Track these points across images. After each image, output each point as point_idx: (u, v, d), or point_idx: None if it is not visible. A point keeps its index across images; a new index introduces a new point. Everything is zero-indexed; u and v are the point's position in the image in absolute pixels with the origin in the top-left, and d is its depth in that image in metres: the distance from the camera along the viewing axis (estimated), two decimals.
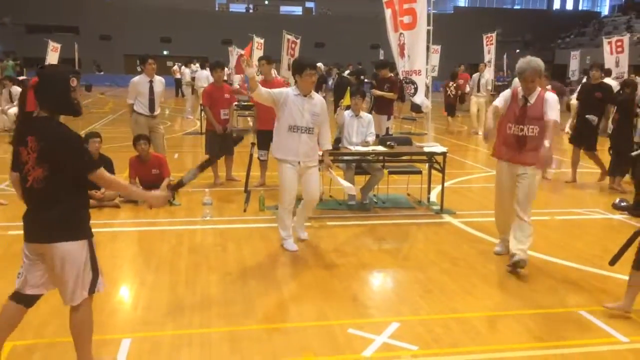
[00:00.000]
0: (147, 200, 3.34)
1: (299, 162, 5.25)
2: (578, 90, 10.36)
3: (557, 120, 4.82)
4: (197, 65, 20.99)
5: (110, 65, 35.02)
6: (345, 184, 5.72)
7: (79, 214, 3.01)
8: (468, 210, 7.21)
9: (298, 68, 5.17)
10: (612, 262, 4.09)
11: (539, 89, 4.96)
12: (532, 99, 4.92)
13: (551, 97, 4.93)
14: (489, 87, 14.64)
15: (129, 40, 35.25)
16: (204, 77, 16.88)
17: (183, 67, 18.57)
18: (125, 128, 10.94)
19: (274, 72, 9.22)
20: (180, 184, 3.38)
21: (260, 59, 8.39)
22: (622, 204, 4.22)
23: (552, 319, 4.14)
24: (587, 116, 8.46)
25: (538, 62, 4.88)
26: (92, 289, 3.07)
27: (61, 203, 2.93)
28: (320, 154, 5.53)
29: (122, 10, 35.87)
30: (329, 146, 5.60)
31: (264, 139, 7.88)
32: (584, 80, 12.69)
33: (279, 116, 5.24)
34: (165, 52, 35.22)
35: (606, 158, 8.71)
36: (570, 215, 7.07)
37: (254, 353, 3.57)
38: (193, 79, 18.97)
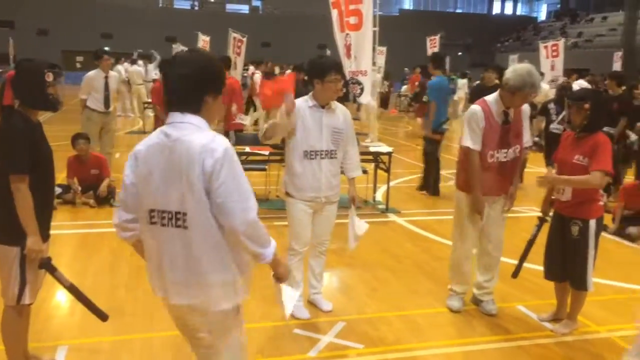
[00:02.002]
0: (30, 238, 2.86)
1: (321, 199, 3.98)
2: (470, 93, 10.32)
3: (530, 146, 4.24)
4: (128, 62, 20.24)
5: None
6: (359, 230, 4.28)
7: (18, 217, 2.86)
8: (413, 209, 7.34)
9: (319, 71, 3.83)
10: (515, 274, 4.28)
11: None
12: (512, 113, 4.00)
13: (526, 107, 4.11)
14: (378, 89, 14.56)
15: (67, 35, 33.97)
16: (138, 72, 16.43)
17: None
18: (65, 125, 10.54)
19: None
20: (52, 268, 3.02)
21: None
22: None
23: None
24: None
25: (538, 76, 3.96)
26: (18, 299, 2.95)
27: (5, 202, 2.82)
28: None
29: (61, 4, 34.54)
30: (357, 172, 4.22)
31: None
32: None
33: (290, 139, 3.93)
34: (106, 49, 34.19)
35: None
36: (509, 213, 7.30)
37: None
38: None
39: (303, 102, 3.89)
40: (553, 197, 4.01)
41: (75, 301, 4.04)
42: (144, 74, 16.67)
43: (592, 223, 3.79)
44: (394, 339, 3.81)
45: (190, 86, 2.09)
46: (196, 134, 2.06)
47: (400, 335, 3.87)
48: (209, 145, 2.02)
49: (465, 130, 4.06)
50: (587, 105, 3.71)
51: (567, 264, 3.91)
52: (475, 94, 8.72)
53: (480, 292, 4.32)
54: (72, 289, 3.08)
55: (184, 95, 2.10)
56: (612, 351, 3.76)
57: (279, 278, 2.33)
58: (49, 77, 2.89)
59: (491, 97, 4.05)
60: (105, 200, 6.94)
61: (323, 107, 3.89)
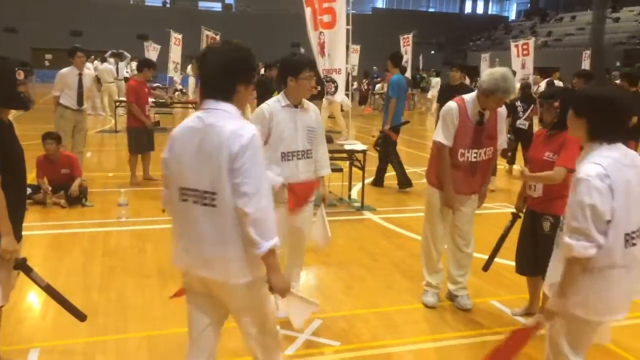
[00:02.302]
0: (4, 238, 2.81)
1: None
2: (438, 91, 10.48)
3: (504, 148, 4.29)
4: (98, 60, 19.88)
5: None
6: (327, 233, 4.10)
7: None
8: (388, 206, 7.39)
9: (292, 68, 3.71)
10: (485, 267, 4.32)
11: None
12: (487, 114, 4.03)
13: (503, 109, 4.15)
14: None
15: (36, 33, 33.24)
16: (108, 70, 16.18)
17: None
18: (36, 124, 10.32)
19: None
20: (27, 269, 2.97)
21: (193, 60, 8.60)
22: None
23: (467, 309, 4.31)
24: None
25: (512, 81, 3.95)
26: None
27: None
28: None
29: (29, 1, 33.78)
30: (327, 171, 4.05)
31: None
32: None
33: (265, 144, 3.64)
34: (76, 46, 33.47)
35: None
36: (481, 210, 7.40)
37: (174, 358, 3.46)
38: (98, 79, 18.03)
39: (275, 103, 3.78)
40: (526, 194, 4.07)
41: (47, 303, 3.98)
42: (114, 72, 16.42)
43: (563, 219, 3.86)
44: (370, 336, 3.83)
45: (224, 75, 2.27)
46: (229, 121, 2.24)
47: (376, 332, 3.89)
48: (238, 131, 2.21)
49: (439, 125, 4.11)
50: (556, 104, 3.78)
51: (539, 259, 3.98)
52: (441, 93, 8.86)
53: (455, 287, 4.37)
54: (48, 290, 3.02)
55: (218, 84, 2.28)
56: None
57: (273, 289, 2.38)
58: (20, 75, 2.85)
59: (469, 96, 4.07)
60: (77, 200, 6.82)
61: (296, 106, 3.79)
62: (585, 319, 2.50)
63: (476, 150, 4.04)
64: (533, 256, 4.00)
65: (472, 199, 4.25)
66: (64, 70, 7.89)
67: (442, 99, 8.53)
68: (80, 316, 3.14)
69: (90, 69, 16.97)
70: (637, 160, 2.49)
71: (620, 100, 2.49)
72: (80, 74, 7.85)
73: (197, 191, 2.27)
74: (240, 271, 2.30)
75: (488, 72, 4.03)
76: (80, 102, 7.85)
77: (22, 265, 2.92)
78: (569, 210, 2.46)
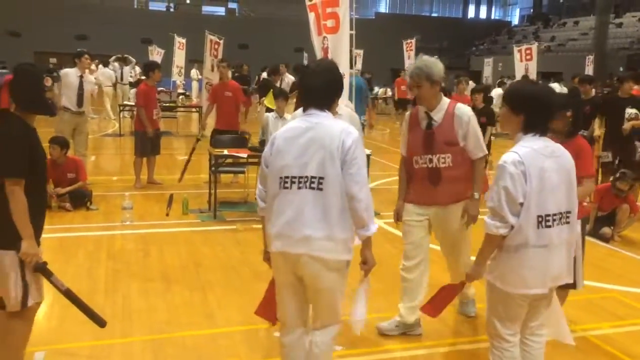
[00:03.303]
0: (25, 241, 2.83)
1: None
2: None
3: (483, 157, 3.78)
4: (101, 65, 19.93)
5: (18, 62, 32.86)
6: None
7: (12, 221, 2.80)
8: (391, 211, 7.37)
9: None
10: None
11: (446, 101, 3.75)
12: (438, 117, 3.71)
13: (463, 112, 3.72)
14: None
15: (40, 36, 33.38)
16: (107, 75, 16.26)
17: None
18: (40, 129, 10.35)
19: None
20: (48, 273, 2.96)
21: (220, 62, 9.10)
22: None
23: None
24: None
25: (430, 62, 3.67)
26: (23, 304, 2.89)
27: (4, 206, 2.77)
28: None
29: (33, 5, 33.93)
30: None
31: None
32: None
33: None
34: (78, 50, 33.51)
35: None
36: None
37: None
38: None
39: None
40: None
41: (53, 306, 4.00)
42: (114, 76, 16.57)
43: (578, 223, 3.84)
44: (374, 340, 3.84)
45: (328, 90, 2.78)
46: (334, 121, 2.73)
47: (380, 337, 3.90)
48: (347, 129, 2.67)
49: None
50: (569, 113, 3.69)
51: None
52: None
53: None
54: (68, 294, 3.02)
55: (323, 97, 2.77)
56: (587, 349, 3.85)
57: (367, 264, 2.80)
58: (48, 81, 2.90)
59: None
60: (82, 203, 6.85)
61: None
62: (504, 290, 2.71)
63: (425, 156, 3.74)
64: None
65: (456, 208, 3.84)
66: (66, 69, 7.91)
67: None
68: (101, 322, 3.11)
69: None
70: (557, 153, 2.71)
71: (543, 97, 2.70)
72: (81, 76, 7.82)
73: (303, 177, 2.62)
74: (342, 251, 2.69)
75: None
76: (80, 103, 7.79)
77: (43, 269, 2.93)
78: (490, 192, 2.70)
